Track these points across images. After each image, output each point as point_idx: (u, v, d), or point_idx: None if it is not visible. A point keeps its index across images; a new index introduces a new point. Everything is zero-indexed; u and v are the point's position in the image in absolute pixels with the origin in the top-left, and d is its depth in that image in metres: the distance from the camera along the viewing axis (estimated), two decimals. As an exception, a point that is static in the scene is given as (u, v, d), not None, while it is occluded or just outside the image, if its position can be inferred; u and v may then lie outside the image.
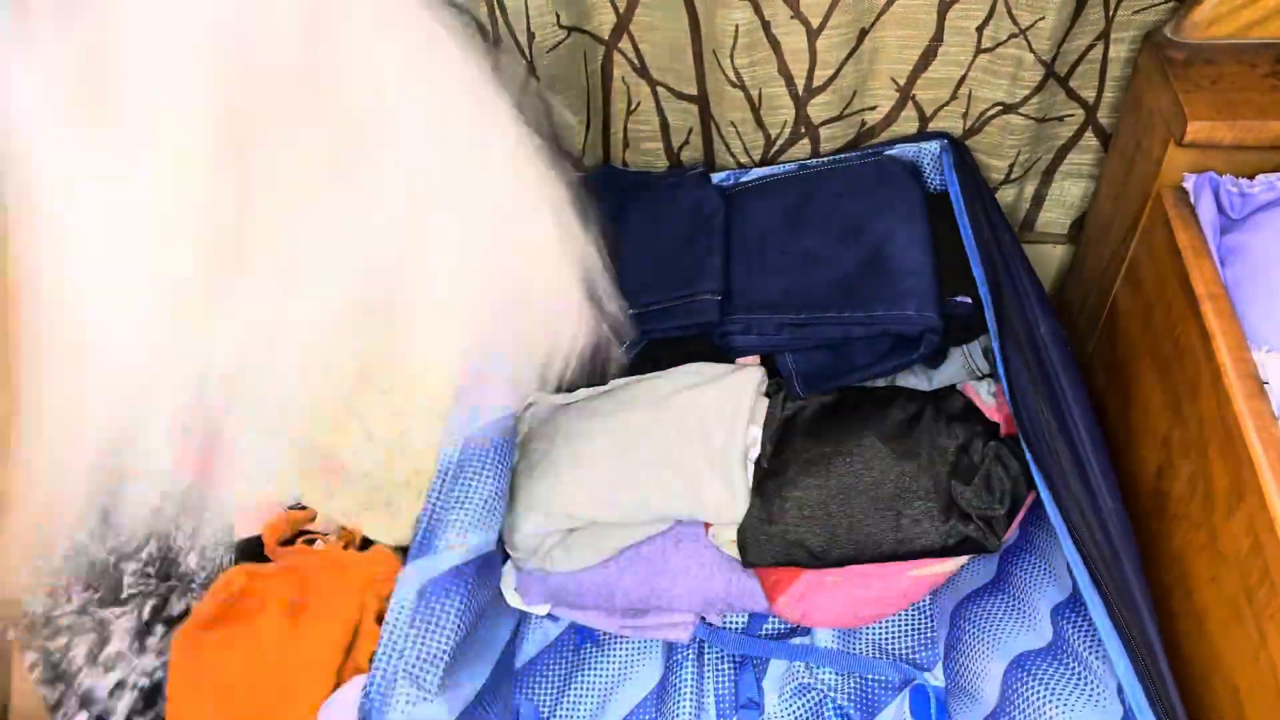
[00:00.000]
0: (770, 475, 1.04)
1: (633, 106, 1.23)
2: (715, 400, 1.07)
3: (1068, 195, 1.25)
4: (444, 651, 0.90)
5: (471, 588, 0.97)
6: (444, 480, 0.98)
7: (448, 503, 0.96)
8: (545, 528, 1.07)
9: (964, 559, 1.05)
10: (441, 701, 0.89)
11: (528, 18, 1.10)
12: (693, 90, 1.19)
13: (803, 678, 1.07)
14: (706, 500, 1.04)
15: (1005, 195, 1.25)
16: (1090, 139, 1.18)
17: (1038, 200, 1.27)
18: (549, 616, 1.14)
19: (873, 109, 1.19)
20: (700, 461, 1.04)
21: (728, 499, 1.03)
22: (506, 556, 1.12)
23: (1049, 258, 1.33)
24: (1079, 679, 0.93)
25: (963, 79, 1.13)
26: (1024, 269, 1.06)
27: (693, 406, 1.07)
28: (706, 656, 1.10)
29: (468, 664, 0.98)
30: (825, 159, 1.21)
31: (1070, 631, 0.97)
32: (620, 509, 1.05)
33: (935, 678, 1.04)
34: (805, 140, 1.21)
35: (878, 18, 1.08)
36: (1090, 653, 0.94)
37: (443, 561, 0.93)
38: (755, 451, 1.06)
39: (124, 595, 1.01)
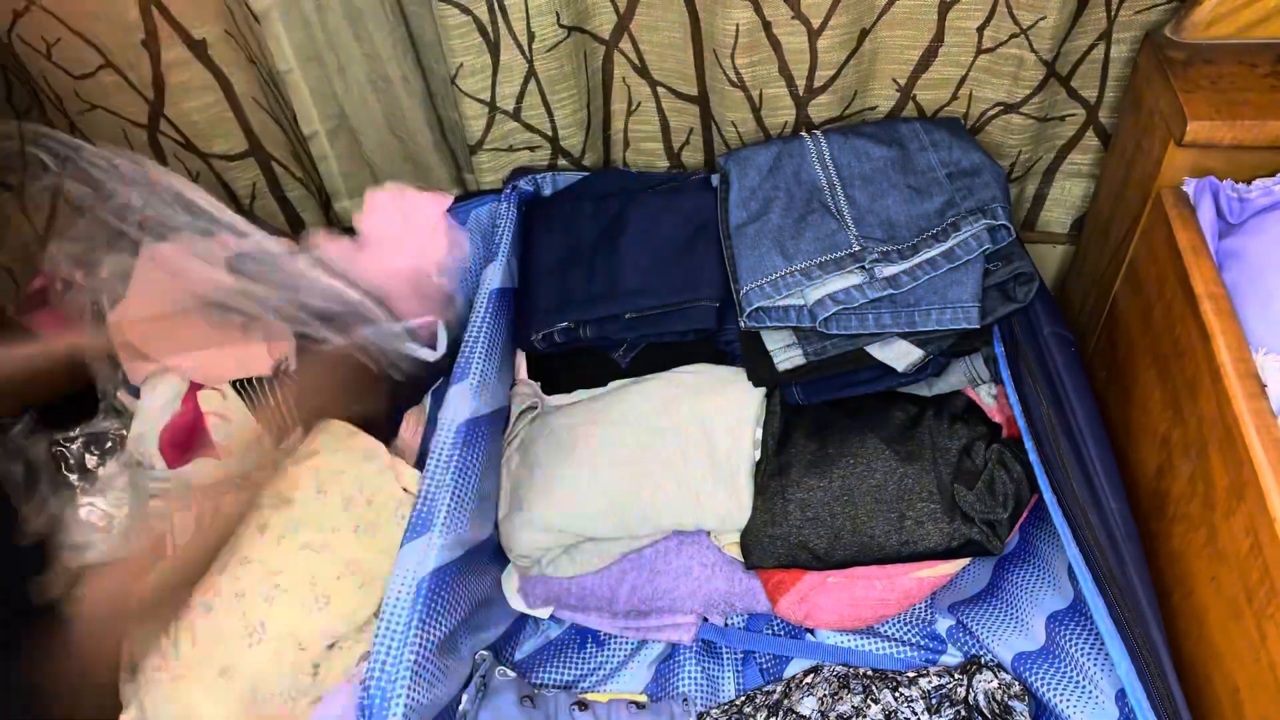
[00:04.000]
0: (773, 475, 1.04)
1: (633, 106, 1.23)
2: (719, 409, 1.07)
3: (1068, 195, 1.26)
4: (442, 643, 0.91)
5: (466, 579, 0.98)
6: (437, 464, 0.98)
7: (441, 490, 0.96)
8: (546, 543, 1.07)
9: (966, 560, 1.05)
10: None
11: (528, 17, 1.10)
12: (693, 90, 1.19)
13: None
14: (711, 512, 1.04)
15: (1006, 195, 1.25)
16: (1091, 138, 1.18)
17: (1038, 199, 1.27)
18: (551, 618, 1.14)
19: (874, 109, 1.19)
20: (705, 473, 1.04)
21: (733, 508, 1.03)
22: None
23: (1049, 257, 1.33)
24: (1075, 684, 0.94)
25: (964, 79, 1.13)
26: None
27: (696, 415, 1.06)
28: (710, 656, 1.11)
29: (463, 657, 0.99)
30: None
31: (1067, 638, 0.97)
32: (623, 526, 1.05)
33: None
34: (806, 140, 1.21)
35: (878, 18, 1.08)
36: (1088, 659, 0.95)
37: (439, 555, 0.93)
38: (757, 453, 1.06)
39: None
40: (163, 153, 1.29)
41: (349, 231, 1.29)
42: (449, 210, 1.27)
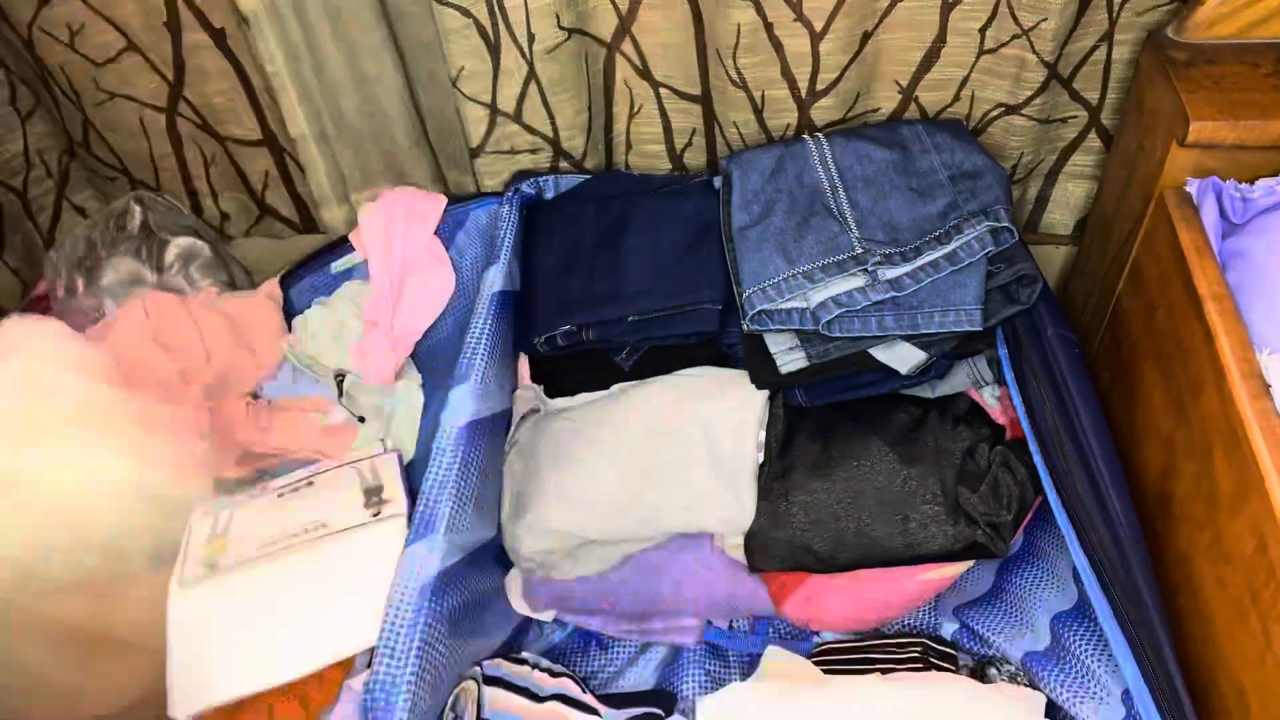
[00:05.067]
0: (776, 478, 1.04)
1: (635, 109, 1.23)
2: (722, 412, 1.06)
3: (1071, 196, 1.25)
4: (444, 646, 0.91)
5: (469, 582, 0.98)
6: (439, 467, 0.98)
7: (443, 493, 0.96)
8: (549, 546, 1.07)
9: (970, 562, 1.05)
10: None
11: (528, 19, 1.10)
12: (696, 90, 1.19)
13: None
14: (714, 515, 1.03)
15: (1008, 196, 1.25)
16: (1093, 140, 1.18)
17: (1041, 201, 1.27)
18: (554, 621, 1.14)
19: (876, 111, 1.19)
20: (708, 477, 1.04)
21: (737, 512, 1.03)
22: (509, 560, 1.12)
23: (1052, 258, 1.33)
24: (1081, 684, 0.94)
25: (965, 80, 1.13)
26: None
27: (699, 418, 1.06)
28: (714, 659, 1.10)
29: (466, 661, 0.99)
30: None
31: (1071, 638, 0.97)
32: (627, 529, 1.05)
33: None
34: (808, 142, 1.21)
35: (880, 20, 1.08)
36: (1093, 660, 0.94)
37: (442, 558, 0.93)
38: (760, 456, 1.06)
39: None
40: (180, 137, 1.30)
41: (342, 242, 1.31)
42: (446, 209, 1.28)
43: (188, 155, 1.33)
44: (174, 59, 1.21)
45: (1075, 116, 1.17)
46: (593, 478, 1.05)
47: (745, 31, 1.07)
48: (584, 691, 1.03)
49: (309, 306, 1.31)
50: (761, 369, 1.06)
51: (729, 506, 1.03)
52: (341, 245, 1.31)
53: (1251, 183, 0.94)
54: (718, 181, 1.19)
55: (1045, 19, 1.03)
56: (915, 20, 1.08)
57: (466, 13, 1.08)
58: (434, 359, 1.25)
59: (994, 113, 1.15)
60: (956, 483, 1.00)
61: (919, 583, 1.03)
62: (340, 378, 1.23)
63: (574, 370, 1.16)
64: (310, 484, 1.10)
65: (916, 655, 1.02)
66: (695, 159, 1.27)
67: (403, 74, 1.21)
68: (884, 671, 0.99)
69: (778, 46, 1.09)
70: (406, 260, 1.25)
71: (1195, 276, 0.89)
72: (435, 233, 1.27)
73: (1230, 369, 0.82)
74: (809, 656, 1.05)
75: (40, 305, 1.39)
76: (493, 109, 1.18)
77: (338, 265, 1.30)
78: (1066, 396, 0.96)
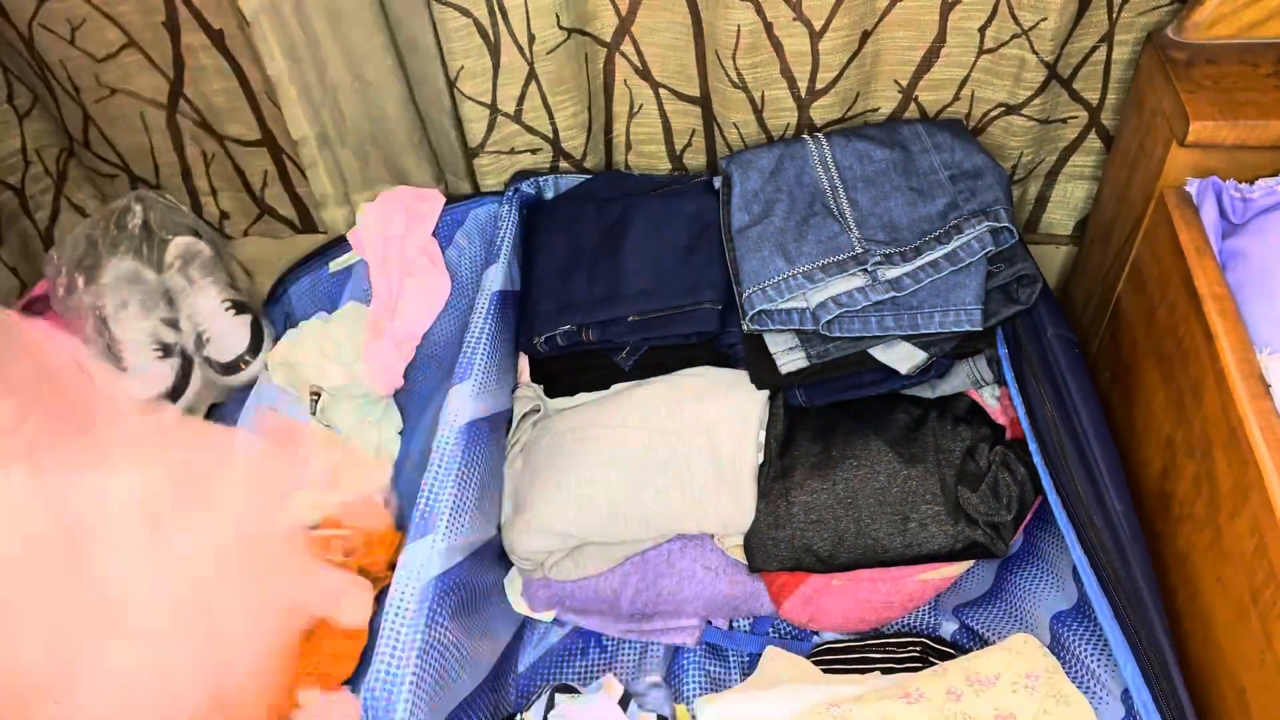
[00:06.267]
0: (776, 478, 1.04)
1: (635, 109, 1.23)
2: (722, 412, 1.06)
3: (1071, 196, 1.25)
4: (445, 646, 0.91)
5: (469, 582, 0.98)
6: (439, 467, 0.98)
7: (443, 493, 0.96)
8: (549, 546, 1.07)
9: (970, 562, 1.05)
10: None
11: (528, 19, 1.10)
12: (695, 92, 1.19)
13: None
14: (714, 515, 1.03)
15: (1008, 196, 1.25)
16: (1094, 140, 1.18)
17: (1041, 201, 1.27)
18: (554, 621, 1.14)
19: (876, 111, 1.19)
20: (709, 476, 1.04)
21: (737, 512, 1.03)
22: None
23: (1052, 259, 1.33)
24: (1081, 683, 0.94)
25: (965, 80, 1.13)
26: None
27: (699, 418, 1.06)
28: (715, 659, 1.10)
29: (466, 661, 0.98)
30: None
31: (1071, 638, 0.97)
32: (626, 529, 1.05)
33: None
34: (808, 142, 1.21)
35: (880, 19, 1.08)
36: (1093, 659, 0.94)
37: (443, 558, 0.93)
38: (760, 456, 1.06)
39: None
40: (180, 134, 1.30)
41: (340, 241, 1.31)
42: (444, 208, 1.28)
43: (188, 153, 1.33)
44: (174, 58, 1.21)
45: (1075, 117, 1.17)
46: (592, 478, 1.05)
47: (745, 32, 1.07)
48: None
49: (308, 308, 1.31)
50: (761, 369, 1.06)
51: (729, 506, 1.03)
52: (340, 244, 1.30)
53: (1251, 183, 0.94)
54: (718, 181, 1.19)
55: (1045, 19, 1.03)
56: (915, 20, 1.08)
57: (466, 12, 1.08)
58: (433, 359, 1.25)
59: (994, 113, 1.15)
60: (956, 483, 1.00)
61: (919, 583, 1.03)
62: (315, 396, 1.22)
63: (574, 370, 1.16)
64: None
65: (916, 655, 1.02)
66: (695, 159, 1.27)
67: (403, 76, 1.21)
68: (884, 671, 0.99)
69: (777, 46, 1.09)
70: (404, 261, 1.25)
71: (1195, 276, 0.89)
72: (434, 232, 1.27)
73: (1230, 369, 0.82)
74: (809, 656, 1.04)
75: (40, 304, 1.39)
76: (493, 109, 1.18)
77: (335, 264, 1.30)
78: (1066, 396, 0.96)
